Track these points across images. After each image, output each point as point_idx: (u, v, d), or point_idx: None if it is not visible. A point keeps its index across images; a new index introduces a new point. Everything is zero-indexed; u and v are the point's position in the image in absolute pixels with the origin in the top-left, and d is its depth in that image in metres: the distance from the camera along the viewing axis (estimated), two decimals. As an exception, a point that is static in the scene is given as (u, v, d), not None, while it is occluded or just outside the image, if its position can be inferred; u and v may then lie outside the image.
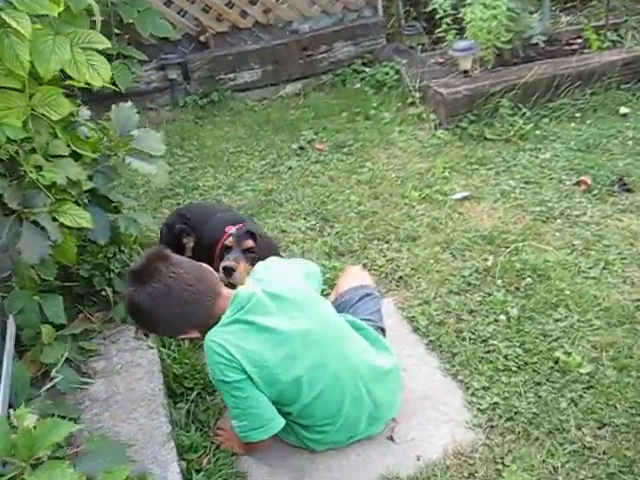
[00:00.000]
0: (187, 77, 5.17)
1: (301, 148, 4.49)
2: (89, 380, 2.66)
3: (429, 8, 4.78)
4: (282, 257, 3.23)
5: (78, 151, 2.82)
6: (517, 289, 3.15)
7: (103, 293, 3.03)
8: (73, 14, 2.64)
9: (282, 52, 5.24)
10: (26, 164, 2.60)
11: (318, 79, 5.32)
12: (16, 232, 2.54)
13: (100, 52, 4.98)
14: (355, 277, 2.91)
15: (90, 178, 2.91)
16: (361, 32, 5.31)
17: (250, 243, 2.98)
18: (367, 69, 5.28)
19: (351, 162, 4.31)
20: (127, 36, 5.06)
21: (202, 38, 5.21)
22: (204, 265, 2.36)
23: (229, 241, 2.99)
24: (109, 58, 4.88)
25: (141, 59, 4.98)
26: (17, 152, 2.62)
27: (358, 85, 5.22)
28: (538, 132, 4.32)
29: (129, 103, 3.08)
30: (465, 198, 3.83)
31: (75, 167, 2.78)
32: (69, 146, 2.81)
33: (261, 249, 2.96)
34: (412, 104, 4.71)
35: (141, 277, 2.22)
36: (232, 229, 3.28)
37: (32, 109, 2.56)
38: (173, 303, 2.21)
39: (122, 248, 3.15)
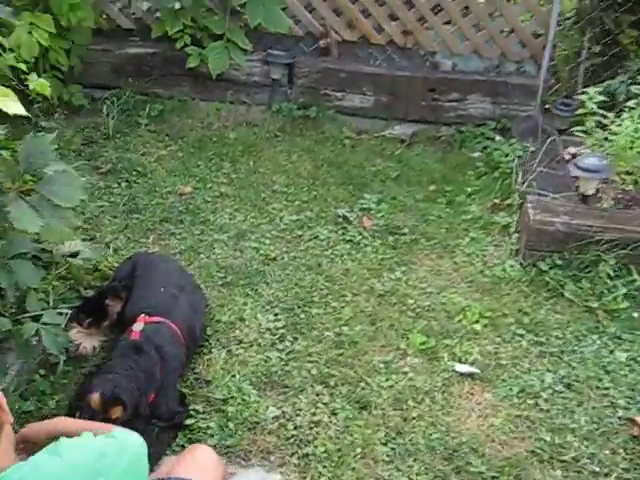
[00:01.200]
0: (291, 81, 4.48)
1: (345, 217, 3.65)
2: None
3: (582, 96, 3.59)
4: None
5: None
6: None
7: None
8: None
9: (403, 85, 4.33)
10: None
11: (437, 130, 4.35)
12: None
13: (207, 29, 4.47)
14: (197, 467, 2.17)
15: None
16: (504, 90, 4.22)
17: (117, 412, 2.33)
18: (498, 138, 4.21)
19: (384, 259, 3.42)
20: (245, 16, 4.45)
21: (322, 43, 4.45)
22: None
23: (94, 401, 2.32)
24: (215, 37, 4.43)
25: (245, 48, 4.38)
26: None
27: (476, 154, 4.17)
28: (637, 315, 3.13)
29: (49, 136, 2.52)
30: (470, 375, 2.84)
31: None
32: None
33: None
34: (507, 208, 3.66)
35: None
36: (142, 321, 2.69)
37: None
38: None
39: (-1, 292, 2.68)
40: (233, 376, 2.80)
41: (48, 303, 2.86)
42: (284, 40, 4.51)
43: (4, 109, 2.24)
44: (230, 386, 2.75)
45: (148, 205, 3.74)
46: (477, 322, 3.08)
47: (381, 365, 2.88)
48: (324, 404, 2.71)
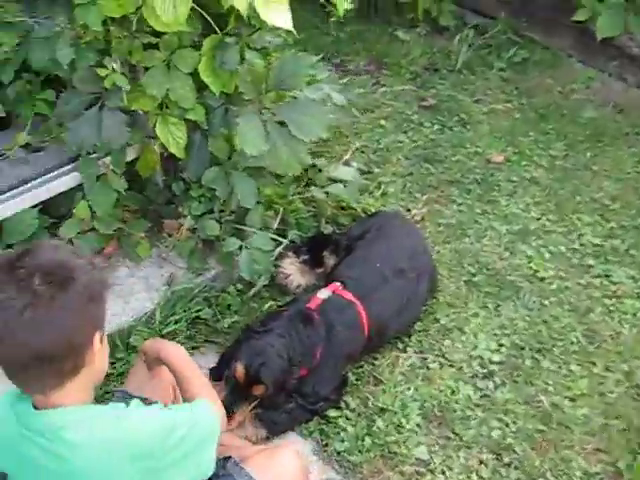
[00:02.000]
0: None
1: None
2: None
3: None
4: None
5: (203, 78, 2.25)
6: None
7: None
8: None
9: None
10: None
11: None
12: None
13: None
14: (276, 468, 1.86)
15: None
16: None
17: (259, 390, 2.16)
18: None
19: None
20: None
21: None
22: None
23: (238, 372, 2.15)
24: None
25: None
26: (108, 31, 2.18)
27: None
28: None
29: (310, 58, 2.28)
30: None
31: (186, 90, 2.29)
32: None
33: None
34: None
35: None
36: (331, 289, 2.45)
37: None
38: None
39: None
40: (408, 389, 2.40)
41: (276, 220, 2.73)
42: None
43: (262, 16, 2.00)
44: (397, 398, 2.36)
45: (447, 159, 3.30)
46: None
47: (578, 472, 2.20)
48: (479, 477, 2.19)
